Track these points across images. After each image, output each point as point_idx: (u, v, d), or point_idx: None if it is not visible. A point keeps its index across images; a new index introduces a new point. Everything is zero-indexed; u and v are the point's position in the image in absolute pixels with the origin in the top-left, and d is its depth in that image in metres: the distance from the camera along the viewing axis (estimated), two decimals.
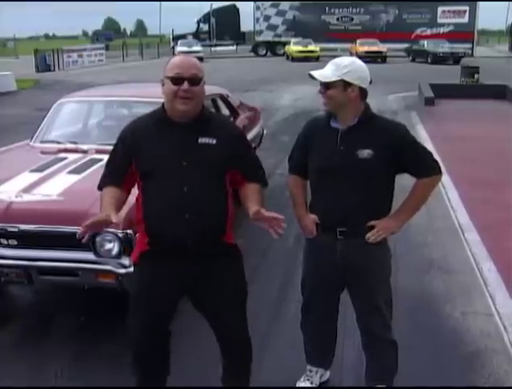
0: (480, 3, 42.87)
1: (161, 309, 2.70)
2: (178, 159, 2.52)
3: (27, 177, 4.18)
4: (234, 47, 49.29)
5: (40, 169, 4.34)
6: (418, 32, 42.65)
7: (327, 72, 2.72)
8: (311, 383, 3.24)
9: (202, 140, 2.55)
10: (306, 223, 2.92)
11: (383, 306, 2.91)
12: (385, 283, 2.92)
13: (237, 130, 2.91)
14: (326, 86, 2.71)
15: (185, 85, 2.48)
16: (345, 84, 2.68)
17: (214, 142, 2.56)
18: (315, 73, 2.74)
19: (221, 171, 2.62)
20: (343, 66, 2.70)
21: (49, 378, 3.42)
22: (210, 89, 6.14)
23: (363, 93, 2.74)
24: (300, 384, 3.26)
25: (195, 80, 2.51)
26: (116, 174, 2.67)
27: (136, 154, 2.58)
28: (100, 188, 2.71)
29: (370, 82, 2.77)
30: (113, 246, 3.56)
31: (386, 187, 2.82)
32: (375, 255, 2.85)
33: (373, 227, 2.78)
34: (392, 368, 3.06)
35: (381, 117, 2.91)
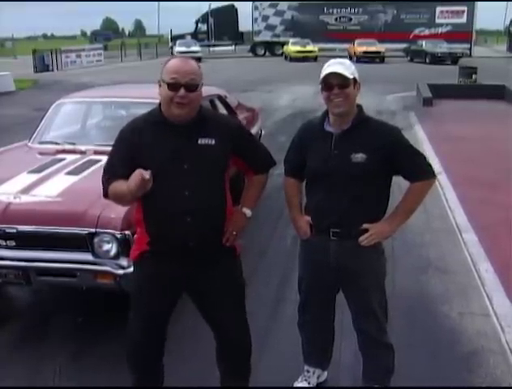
0: (478, 3, 42.95)
1: (161, 310, 2.72)
2: (179, 162, 2.51)
3: (26, 178, 4.18)
4: (232, 47, 49.29)
5: (38, 170, 4.35)
6: (416, 32, 42.66)
7: (343, 70, 2.67)
8: (308, 384, 3.25)
9: (201, 141, 2.55)
10: (300, 224, 2.93)
11: (377, 310, 2.91)
12: (378, 286, 2.92)
13: (235, 124, 2.87)
14: (344, 85, 2.66)
15: (182, 92, 2.45)
16: (355, 82, 2.70)
17: (213, 142, 2.55)
18: (339, 69, 2.65)
19: (222, 170, 2.63)
20: (348, 64, 2.72)
21: (48, 377, 3.43)
22: (208, 90, 6.15)
23: None
24: (297, 384, 3.27)
25: (192, 86, 2.48)
26: (118, 177, 2.56)
27: (137, 157, 2.55)
28: (105, 195, 2.64)
29: None
30: (111, 247, 3.57)
31: (380, 189, 2.82)
32: (368, 258, 2.84)
33: (367, 229, 2.78)
34: (388, 370, 3.06)
35: (375, 119, 2.90)
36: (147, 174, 2.30)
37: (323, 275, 2.91)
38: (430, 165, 2.85)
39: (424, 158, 2.85)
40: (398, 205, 2.86)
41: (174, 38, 45.44)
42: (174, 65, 2.51)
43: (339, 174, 2.72)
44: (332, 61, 2.76)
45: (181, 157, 2.52)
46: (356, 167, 2.68)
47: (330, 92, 2.67)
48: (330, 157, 2.74)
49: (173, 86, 2.45)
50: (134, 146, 2.56)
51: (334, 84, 2.66)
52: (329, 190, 2.77)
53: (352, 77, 2.67)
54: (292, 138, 3.00)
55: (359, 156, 2.68)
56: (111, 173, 2.60)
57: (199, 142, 2.54)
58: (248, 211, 2.78)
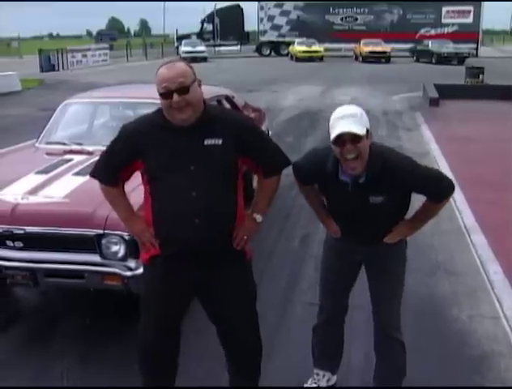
0: (485, 3, 42.74)
1: (172, 312, 2.71)
2: (186, 163, 2.50)
3: (33, 179, 4.18)
4: (238, 47, 49.31)
5: (45, 171, 4.34)
6: (422, 32, 42.52)
7: (356, 126, 2.53)
8: (318, 386, 3.24)
9: (208, 142, 2.52)
10: (330, 226, 3.00)
11: (397, 306, 2.97)
12: (400, 282, 2.99)
13: (242, 121, 2.80)
14: (357, 140, 2.54)
15: (175, 97, 2.44)
16: (367, 133, 2.60)
17: (220, 142, 2.53)
18: (353, 128, 2.51)
19: (231, 170, 2.59)
20: (359, 115, 2.59)
21: (55, 379, 3.43)
22: (215, 90, 6.16)
23: None
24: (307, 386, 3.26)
25: (184, 89, 2.45)
26: (114, 171, 2.68)
27: (143, 158, 2.56)
28: (98, 179, 2.74)
29: None
30: (119, 249, 3.55)
31: (400, 211, 2.89)
32: (394, 251, 2.94)
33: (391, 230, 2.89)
34: (401, 371, 3.07)
35: (385, 154, 2.72)
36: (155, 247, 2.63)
37: (346, 271, 3.01)
38: (450, 183, 2.81)
39: (441, 177, 2.81)
40: (418, 214, 2.94)
41: (180, 38, 45.52)
42: (162, 74, 2.50)
43: (357, 213, 2.79)
44: (341, 112, 2.60)
45: (187, 159, 2.50)
46: (376, 207, 2.72)
47: (343, 148, 2.57)
48: (348, 202, 2.76)
49: (166, 95, 2.46)
50: (139, 147, 2.56)
51: (347, 140, 2.55)
52: (350, 222, 2.87)
53: (364, 133, 2.56)
54: (301, 164, 2.84)
55: (378, 199, 2.71)
56: (107, 166, 2.72)
57: (206, 143, 2.52)
58: (259, 217, 2.75)
